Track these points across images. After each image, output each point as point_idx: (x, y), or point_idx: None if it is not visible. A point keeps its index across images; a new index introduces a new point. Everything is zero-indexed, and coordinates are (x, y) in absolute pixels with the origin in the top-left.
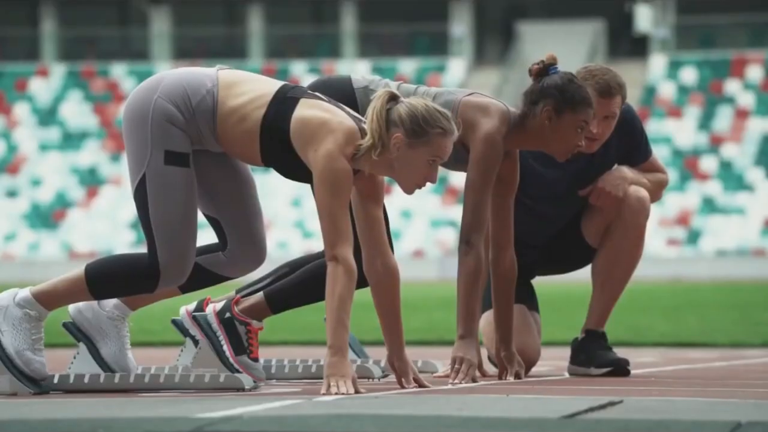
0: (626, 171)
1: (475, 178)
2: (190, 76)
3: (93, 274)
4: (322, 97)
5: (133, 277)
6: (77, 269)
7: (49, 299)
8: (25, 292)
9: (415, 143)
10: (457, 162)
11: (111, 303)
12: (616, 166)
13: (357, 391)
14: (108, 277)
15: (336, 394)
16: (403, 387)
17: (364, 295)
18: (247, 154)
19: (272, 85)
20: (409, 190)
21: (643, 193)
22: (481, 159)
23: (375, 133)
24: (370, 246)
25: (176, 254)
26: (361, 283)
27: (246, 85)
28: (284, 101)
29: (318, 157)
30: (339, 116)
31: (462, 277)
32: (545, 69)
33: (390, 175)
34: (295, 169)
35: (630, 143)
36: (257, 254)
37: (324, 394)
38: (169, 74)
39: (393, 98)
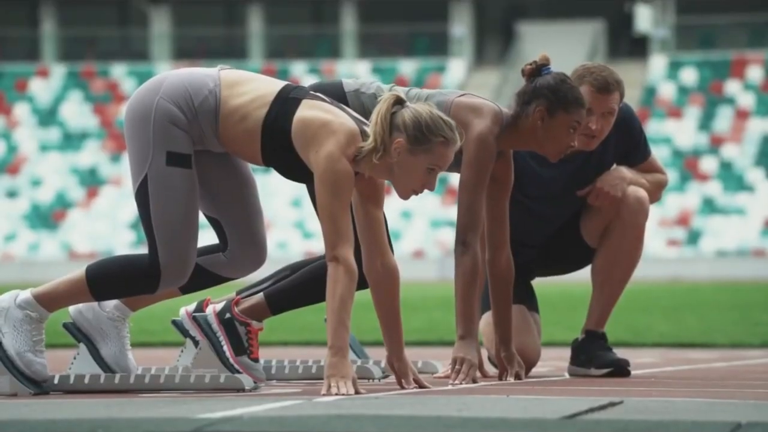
0: (625, 171)
1: (468, 179)
2: (192, 77)
3: (94, 275)
4: (324, 98)
5: (134, 277)
6: (78, 270)
7: (50, 300)
8: (26, 294)
9: (416, 150)
10: (451, 163)
11: (111, 304)
12: (614, 166)
13: (357, 392)
14: (109, 278)
15: (336, 394)
16: (402, 388)
17: (364, 295)
18: (247, 153)
19: (274, 85)
20: (404, 195)
21: (642, 193)
22: (474, 159)
23: (378, 136)
24: (370, 246)
25: (177, 255)
26: (362, 284)
27: (248, 85)
28: (286, 101)
29: (319, 158)
30: (341, 117)
31: (459, 277)
32: (538, 69)
33: (389, 179)
34: (295, 169)
35: (629, 143)
36: (257, 255)
37: (324, 395)
38: (171, 75)
39: (399, 102)
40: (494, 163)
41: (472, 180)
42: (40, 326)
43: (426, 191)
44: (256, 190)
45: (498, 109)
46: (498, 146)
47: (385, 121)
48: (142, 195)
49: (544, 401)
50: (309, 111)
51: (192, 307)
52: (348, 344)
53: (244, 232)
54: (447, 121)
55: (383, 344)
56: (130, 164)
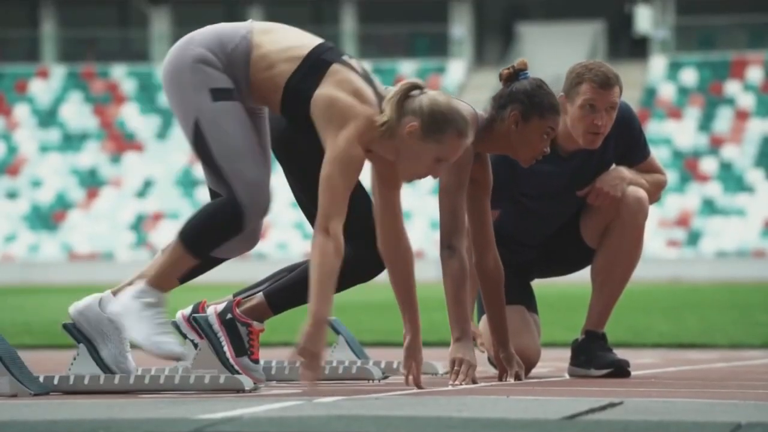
0: (624, 171)
1: (449, 182)
2: (224, 27)
3: (186, 236)
4: (355, 66)
5: (221, 222)
6: (172, 243)
7: (161, 280)
8: (139, 285)
9: (428, 137)
10: None
11: (112, 305)
12: (614, 166)
13: (316, 375)
14: (200, 233)
15: (301, 370)
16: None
17: (364, 294)
18: (269, 100)
19: (308, 40)
20: (407, 178)
21: (642, 193)
22: (452, 163)
23: (389, 115)
24: (387, 227)
25: (251, 183)
26: (379, 266)
27: (281, 34)
28: (316, 63)
29: (338, 140)
30: (365, 99)
31: (449, 280)
32: (515, 74)
33: (395, 159)
34: (305, 129)
35: (628, 142)
36: (252, 237)
37: (290, 361)
38: (201, 29)
39: (418, 87)
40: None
41: (453, 183)
42: (161, 310)
43: (428, 180)
44: (269, 160)
45: (474, 112)
46: (474, 149)
47: (399, 103)
48: (199, 141)
49: (544, 402)
50: (335, 89)
51: (188, 310)
52: (328, 317)
53: None
54: (463, 114)
55: (383, 345)
56: (180, 121)
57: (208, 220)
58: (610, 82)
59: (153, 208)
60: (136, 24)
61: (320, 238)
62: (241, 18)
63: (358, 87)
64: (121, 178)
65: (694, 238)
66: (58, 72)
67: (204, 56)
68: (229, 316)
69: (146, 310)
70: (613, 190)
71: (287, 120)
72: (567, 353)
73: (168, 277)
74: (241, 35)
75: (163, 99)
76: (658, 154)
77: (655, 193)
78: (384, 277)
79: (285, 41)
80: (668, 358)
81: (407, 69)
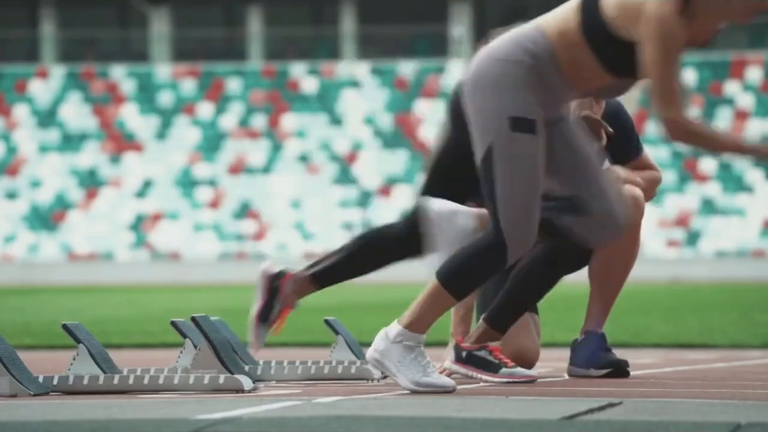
0: (620, 170)
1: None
2: (507, 34)
3: (446, 279)
4: None
5: (483, 261)
6: (429, 284)
7: (419, 324)
8: (395, 328)
9: None
10: None
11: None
12: (608, 165)
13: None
14: (461, 274)
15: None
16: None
17: (364, 295)
18: (583, 63)
19: None
20: (744, 20)
21: (637, 192)
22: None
23: None
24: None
25: (521, 227)
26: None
27: (555, 10)
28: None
29: (651, 18)
30: None
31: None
32: None
33: (725, 14)
34: (635, 57)
35: (621, 134)
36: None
37: None
38: (491, 46)
39: None
40: None
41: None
42: (421, 351)
43: None
44: (594, 168)
45: None
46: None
47: None
48: (487, 166)
49: (543, 402)
50: None
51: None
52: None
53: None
54: None
55: None
56: (475, 133)
57: (471, 261)
58: None
59: (152, 208)
60: (135, 24)
61: (670, 118)
62: (241, 18)
63: None
64: (120, 179)
65: (693, 239)
66: (58, 72)
67: (519, 76)
68: (464, 353)
69: (408, 353)
70: None
71: (621, 72)
72: (567, 353)
73: (426, 320)
74: (531, 29)
75: (162, 99)
76: (658, 154)
77: (651, 190)
78: (384, 276)
79: (561, 11)
80: (668, 358)
81: (407, 69)
